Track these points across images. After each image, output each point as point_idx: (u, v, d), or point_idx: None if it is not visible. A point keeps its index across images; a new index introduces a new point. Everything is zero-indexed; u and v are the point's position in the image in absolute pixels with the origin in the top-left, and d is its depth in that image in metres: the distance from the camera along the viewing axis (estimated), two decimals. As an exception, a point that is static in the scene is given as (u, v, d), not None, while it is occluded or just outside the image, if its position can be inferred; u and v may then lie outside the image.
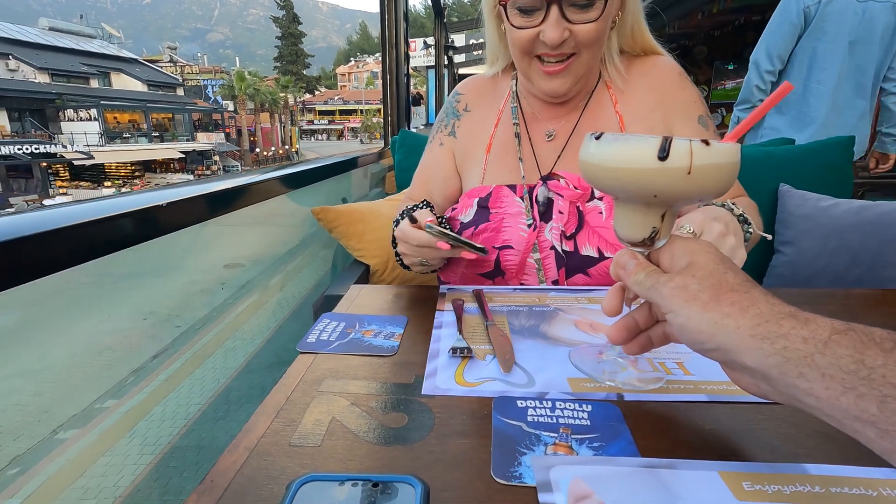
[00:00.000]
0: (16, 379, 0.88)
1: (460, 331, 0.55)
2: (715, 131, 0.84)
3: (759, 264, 1.25)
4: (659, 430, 0.38)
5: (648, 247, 0.40)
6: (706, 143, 0.35)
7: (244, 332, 1.45)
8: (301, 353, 0.51)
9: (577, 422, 0.39)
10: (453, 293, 0.69)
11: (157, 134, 33.17)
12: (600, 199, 0.75)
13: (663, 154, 0.35)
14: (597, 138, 0.39)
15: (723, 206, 0.61)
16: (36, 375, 0.91)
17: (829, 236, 1.11)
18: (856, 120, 1.84)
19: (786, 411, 0.40)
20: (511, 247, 0.76)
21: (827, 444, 0.35)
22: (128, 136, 31.14)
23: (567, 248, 0.74)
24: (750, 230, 0.61)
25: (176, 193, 0.69)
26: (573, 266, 0.74)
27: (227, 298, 1.48)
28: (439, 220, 0.77)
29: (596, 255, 0.72)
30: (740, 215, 0.61)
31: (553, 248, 0.74)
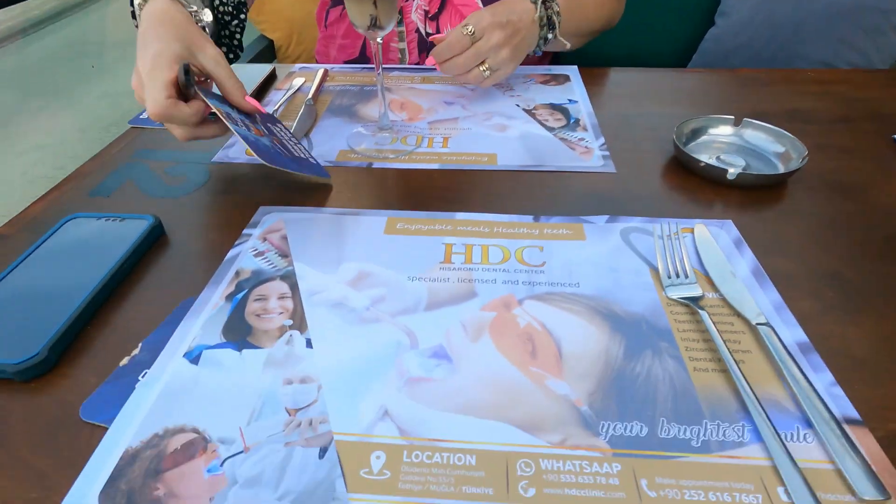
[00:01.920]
0: (33, 153, 0.88)
1: (276, 112, 0.61)
2: None
3: (694, 36, 1.18)
4: (376, 190, 0.48)
5: (379, 31, 0.44)
6: None
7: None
8: (131, 127, 0.59)
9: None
10: (303, 72, 0.72)
11: None
12: None
13: None
14: None
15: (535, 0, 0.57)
16: (52, 149, 0.92)
17: (757, 7, 1.02)
18: None
19: (482, 178, 0.49)
20: None
21: (487, 199, 0.46)
22: None
23: (430, 30, 0.72)
24: (550, 35, 0.58)
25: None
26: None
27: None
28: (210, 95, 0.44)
29: None
30: (548, 17, 0.57)
31: (417, 30, 0.73)
